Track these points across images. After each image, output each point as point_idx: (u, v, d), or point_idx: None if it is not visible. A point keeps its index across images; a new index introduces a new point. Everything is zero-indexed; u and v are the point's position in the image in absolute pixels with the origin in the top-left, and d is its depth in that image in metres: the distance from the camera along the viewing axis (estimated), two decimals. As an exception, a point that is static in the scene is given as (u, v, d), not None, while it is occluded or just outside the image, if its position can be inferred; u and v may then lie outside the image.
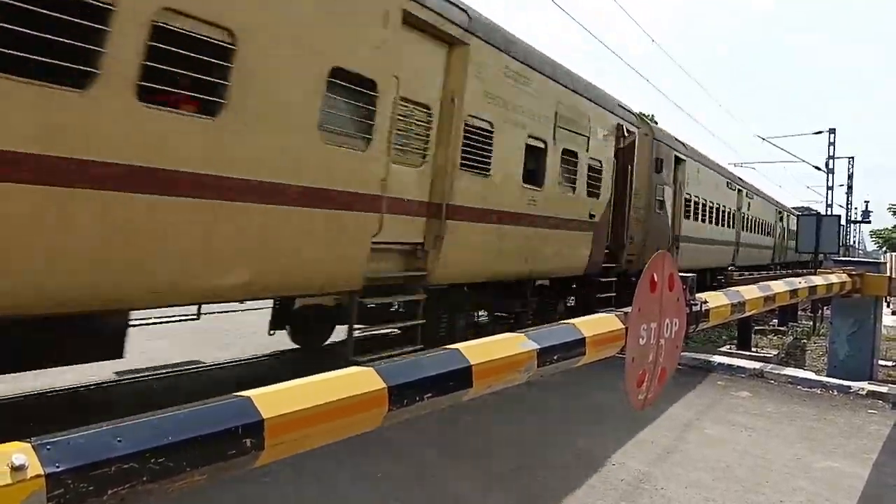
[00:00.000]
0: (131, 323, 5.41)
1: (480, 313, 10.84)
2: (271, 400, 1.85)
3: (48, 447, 1.41)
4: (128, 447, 1.50)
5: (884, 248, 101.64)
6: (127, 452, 1.49)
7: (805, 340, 14.09)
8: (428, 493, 4.86)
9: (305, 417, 1.91)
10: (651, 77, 40.63)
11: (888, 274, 9.08)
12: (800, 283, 6.78)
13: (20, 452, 1.37)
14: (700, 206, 18.69)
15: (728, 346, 11.93)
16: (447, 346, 2.62)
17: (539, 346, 2.90)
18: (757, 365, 10.01)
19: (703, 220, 19.24)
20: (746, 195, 25.67)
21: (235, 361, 9.03)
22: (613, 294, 12.32)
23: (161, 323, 6.28)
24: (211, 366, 8.64)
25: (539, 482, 5.20)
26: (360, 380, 2.15)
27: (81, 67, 4.17)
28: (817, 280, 7.50)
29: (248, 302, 6.41)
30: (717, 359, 10.40)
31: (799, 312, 17.68)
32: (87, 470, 1.42)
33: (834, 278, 7.89)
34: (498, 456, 5.74)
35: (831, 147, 40.08)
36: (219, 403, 1.76)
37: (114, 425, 1.54)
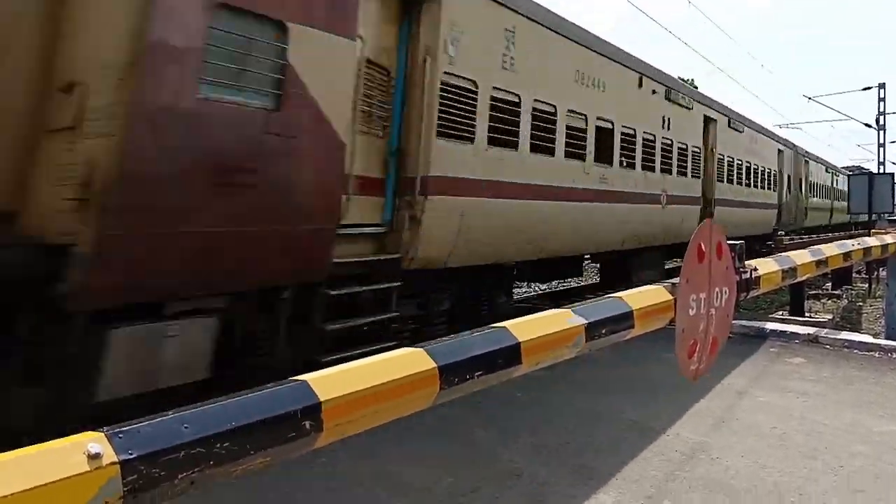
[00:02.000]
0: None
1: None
2: (327, 382, 1.90)
3: (120, 436, 1.49)
4: (194, 433, 1.57)
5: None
6: (193, 438, 1.55)
7: (860, 303, 13.75)
8: (482, 469, 4.92)
9: (360, 399, 1.96)
10: (690, 41, 39.64)
11: (947, 231, 8.79)
12: (853, 245, 6.61)
13: (95, 441, 1.44)
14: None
15: (781, 313, 11.72)
16: (495, 325, 2.65)
17: (587, 321, 2.90)
18: (811, 330, 9.80)
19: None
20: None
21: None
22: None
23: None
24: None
25: (593, 455, 5.21)
26: (410, 360, 2.19)
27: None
28: (871, 241, 7.30)
29: None
30: (770, 325, 10.21)
31: (853, 275, 17.24)
32: (157, 456, 1.49)
33: (889, 238, 7.67)
34: (549, 430, 5.77)
35: (882, 103, 38.63)
36: (277, 388, 1.82)
37: (180, 412, 1.61)
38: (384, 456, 5.01)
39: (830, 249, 5.82)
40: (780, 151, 22.51)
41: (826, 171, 33.44)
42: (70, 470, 1.37)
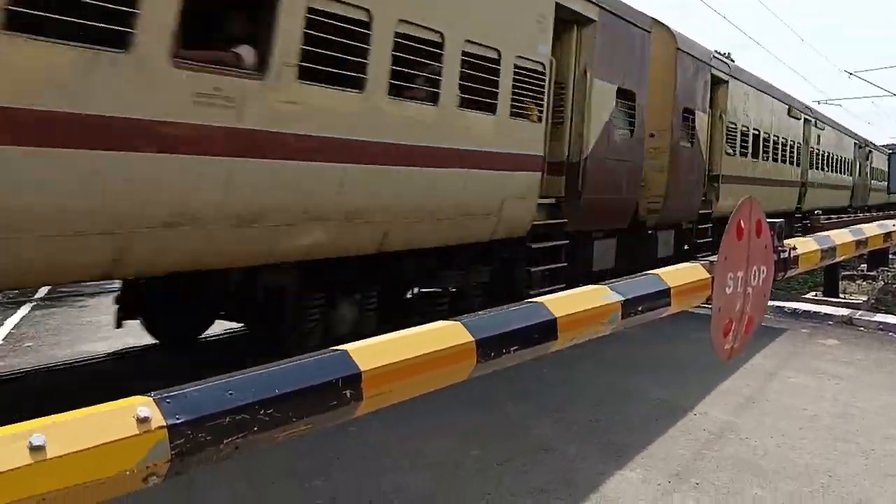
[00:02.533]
0: None
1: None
2: (367, 353, 1.92)
3: (168, 401, 1.51)
4: (238, 399, 1.59)
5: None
6: (238, 405, 1.58)
7: (897, 285, 13.46)
8: (510, 443, 4.95)
9: (399, 369, 1.97)
10: (728, 14, 38.69)
11: None
12: (894, 225, 6.47)
13: (144, 405, 1.47)
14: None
15: (814, 293, 11.52)
16: (531, 300, 2.64)
17: (623, 298, 2.89)
18: (845, 312, 9.65)
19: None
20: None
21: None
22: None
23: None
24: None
25: (621, 432, 5.21)
26: (448, 333, 2.20)
27: None
28: (913, 222, 7.14)
29: None
30: (803, 306, 10.07)
31: (890, 256, 16.86)
32: (204, 421, 1.52)
33: (931, 220, 7.48)
34: (579, 407, 5.78)
35: (927, 79, 37.49)
36: (319, 357, 1.84)
37: (224, 379, 1.64)
38: (415, 426, 5.07)
39: (871, 229, 5.70)
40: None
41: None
42: (120, 433, 1.41)
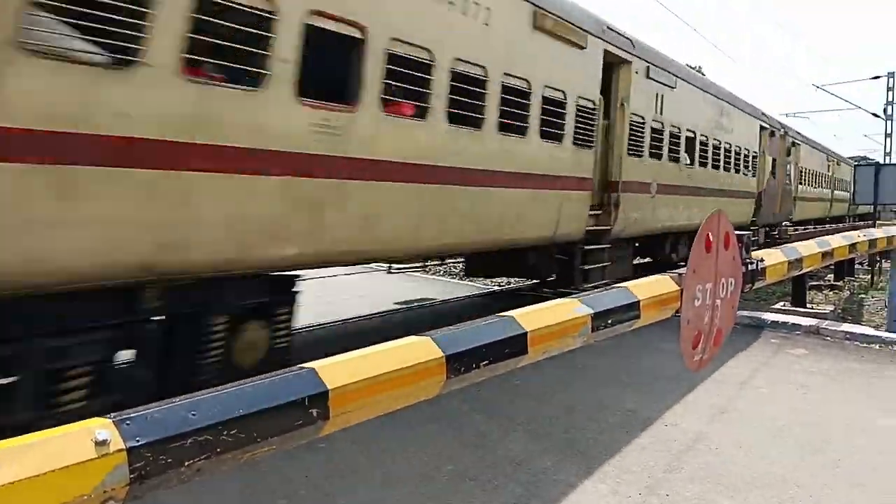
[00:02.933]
0: None
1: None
2: (334, 371, 1.89)
3: (127, 422, 1.47)
4: (202, 420, 1.56)
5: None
6: (201, 426, 1.54)
7: (862, 295, 13.73)
8: (481, 457, 4.93)
9: (368, 387, 1.95)
10: (698, 26, 39.27)
11: (952, 225, 8.74)
12: (859, 236, 6.59)
13: (102, 428, 1.43)
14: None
15: (782, 303, 11.69)
16: (501, 314, 2.64)
17: (593, 311, 2.89)
18: (813, 321, 9.80)
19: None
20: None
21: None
22: None
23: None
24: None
25: (593, 444, 5.23)
26: (418, 349, 2.18)
27: None
28: (877, 233, 7.27)
29: None
30: (771, 316, 10.21)
31: (856, 266, 17.20)
32: (165, 443, 1.48)
33: (894, 230, 7.63)
34: (551, 419, 5.78)
35: (890, 92, 38.36)
36: (285, 375, 1.81)
37: (188, 399, 1.60)
38: (385, 441, 5.03)
39: (837, 241, 5.79)
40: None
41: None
42: (77, 457, 1.37)
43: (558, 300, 2.94)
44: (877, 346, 8.79)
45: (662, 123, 11.92)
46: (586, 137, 9.28)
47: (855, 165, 22.97)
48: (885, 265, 13.50)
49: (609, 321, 3.01)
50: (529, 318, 2.61)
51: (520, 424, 5.61)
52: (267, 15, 4.76)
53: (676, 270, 3.56)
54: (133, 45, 4.01)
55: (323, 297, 9.48)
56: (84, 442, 1.39)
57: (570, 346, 2.87)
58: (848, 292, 14.17)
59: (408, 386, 2.11)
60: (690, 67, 14.33)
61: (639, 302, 3.20)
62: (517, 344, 2.54)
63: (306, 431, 1.79)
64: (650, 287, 3.36)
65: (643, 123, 11.19)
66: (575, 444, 5.20)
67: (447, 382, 2.25)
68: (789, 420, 5.90)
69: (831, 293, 13.97)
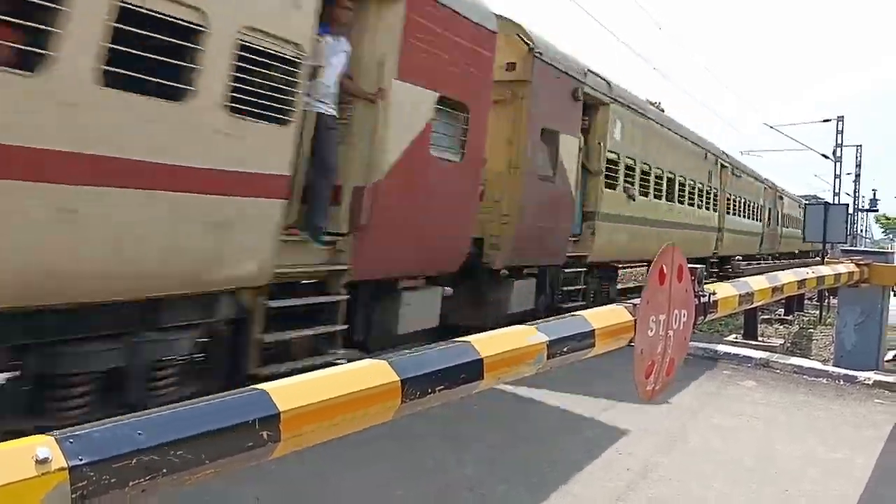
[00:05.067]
0: None
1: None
2: (287, 393, 1.87)
3: (70, 440, 1.44)
4: (149, 440, 1.53)
5: (890, 235, 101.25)
6: (148, 445, 1.51)
7: (811, 330, 14.08)
8: (434, 482, 4.90)
9: (320, 410, 1.93)
10: (658, 64, 40.39)
11: (896, 264, 9.06)
12: (808, 273, 6.78)
13: (44, 445, 1.40)
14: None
15: (734, 336, 11.94)
16: (458, 339, 2.64)
17: (549, 339, 2.91)
18: (763, 354, 10.02)
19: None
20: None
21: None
22: None
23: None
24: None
25: (547, 470, 5.23)
26: (373, 372, 2.17)
27: None
28: (825, 270, 7.49)
29: None
30: (723, 348, 10.41)
31: (805, 301, 17.66)
32: (109, 462, 1.45)
33: (842, 268, 7.87)
34: (503, 444, 5.78)
35: (839, 135, 39.82)
36: (236, 396, 1.79)
37: (135, 418, 1.57)
38: (338, 462, 4.96)
39: (786, 276, 5.95)
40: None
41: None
42: (16, 475, 1.33)
43: (515, 327, 2.96)
44: (824, 381, 9.01)
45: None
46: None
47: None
48: (833, 301, 13.91)
49: (564, 349, 3.03)
50: (485, 343, 2.62)
51: (474, 449, 5.59)
52: None
53: (631, 301, 3.62)
54: None
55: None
56: (25, 460, 1.35)
57: (524, 372, 2.88)
58: (797, 327, 14.54)
59: (362, 409, 2.10)
60: (651, 103, 14.78)
61: (594, 331, 3.23)
62: (473, 369, 2.54)
63: (256, 453, 1.76)
64: (605, 316, 3.40)
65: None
66: (529, 470, 5.20)
67: (402, 407, 2.24)
68: (739, 450, 6.00)
69: (781, 327, 14.32)
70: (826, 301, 16.50)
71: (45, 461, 1.37)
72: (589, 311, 3.37)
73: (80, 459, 1.41)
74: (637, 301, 3.52)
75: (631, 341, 3.49)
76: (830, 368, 9.31)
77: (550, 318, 3.21)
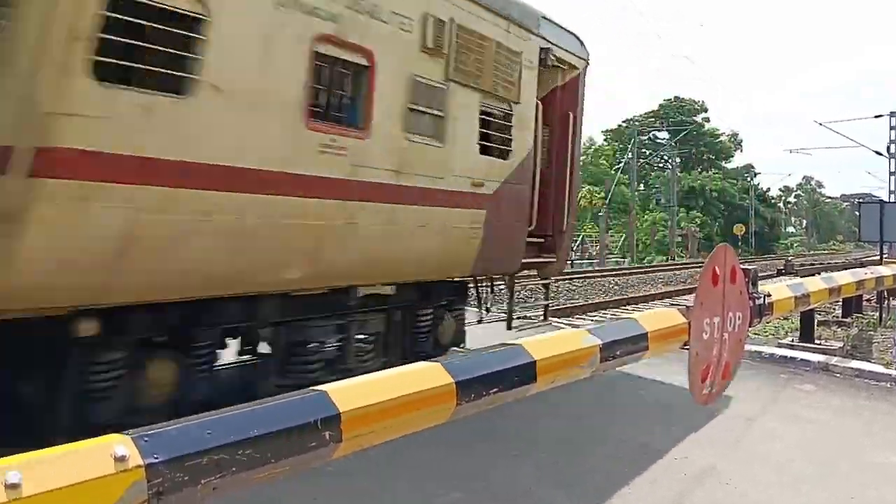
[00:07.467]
0: None
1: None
2: (346, 394, 1.92)
3: (145, 439, 1.50)
4: (217, 440, 1.58)
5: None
6: (217, 445, 1.57)
7: (871, 332, 13.62)
8: (490, 487, 4.90)
9: (379, 411, 1.97)
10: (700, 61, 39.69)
11: (960, 262, 8.74)
12: (867, 273, 6.60)
13: (121, 444, 1.46)
14: None
15: (790, 339, 11.62)
16: (511, 342, 2.66)
17: (602, 342, 2.91)
18: (821, 357, 9.73)
19: None
20: None
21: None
22: None
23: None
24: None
25: (602, 476, 5.19)
26: (429, 375, 2.21)
27: None
28: (885, 271, 7.28)
29: None
30: (779, 351, 10.15)
31: (863, 303, 17.10)
32: (182, 461, 1.51)
33: (902, 268, 7.64)
34: (558, 451, 5.75)
35: (893, 131, 38.50)
36: (297, 397, 1.84)
37: (203, 419, 1.63)
38: (394, 465, 5.00)
39: (843, 277, 5.81)
40: None
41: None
42: (97, 471, 1.39)
43: (566, 330, 2.97)
44: (887, 384, 8.70)
45: None
46: None
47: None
48: (894, 303, 13.45)
49: (617, 352, 3.02)
50: (538, 347, 2.64)
51: (531, 455, 5.57)
52: None
53: (684, 304, 3.58)
54: None
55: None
56: (104, 457, 1.42)
57: (578, 376, 2.88)
58: (856, 329, 14.08)
59: (418, 411, 2.13)
60: (693, 102, 14.45)
61: (647, 334, 3.22)
62: (526, 372, 2.56)
63: (319, 453, 1.81)
64: (658, 319, 3.38)
65: None
66: (586, 478, 5.16)
67: (457, 409, 2.27)
68: (797, 455, 5.84)
69: (839, 329, 13.88)
70: (886, 302, 15.94)
71: (122, 459, 1.43)
72: (642, 313, 3.36)
73: (156, 457, 1.47)
74: (691, 303, 3.48)
75: (684, 344, 3.46)
76: (893, 372, 9.00)
77: (605, 322, 3.20)
